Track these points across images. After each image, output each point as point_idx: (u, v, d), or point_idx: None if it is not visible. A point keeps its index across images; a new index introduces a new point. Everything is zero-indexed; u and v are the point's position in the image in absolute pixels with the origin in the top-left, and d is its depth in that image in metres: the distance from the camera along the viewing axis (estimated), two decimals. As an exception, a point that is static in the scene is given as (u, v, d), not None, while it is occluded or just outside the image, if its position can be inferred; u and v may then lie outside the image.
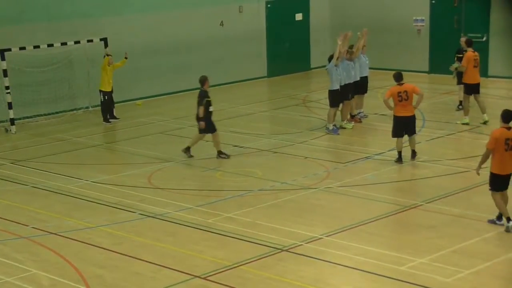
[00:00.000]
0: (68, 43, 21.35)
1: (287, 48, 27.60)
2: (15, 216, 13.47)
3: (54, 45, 21.03)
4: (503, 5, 23.49)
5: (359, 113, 19.66)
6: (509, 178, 11.92)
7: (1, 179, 15.89)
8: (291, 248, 11.44)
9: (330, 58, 18.33)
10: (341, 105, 18.69)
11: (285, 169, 15.79)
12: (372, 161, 15.98)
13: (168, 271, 10.83)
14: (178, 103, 23.36)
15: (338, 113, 18.79)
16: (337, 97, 18.25)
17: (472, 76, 18.49)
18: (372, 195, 13.78)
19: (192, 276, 10.58)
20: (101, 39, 21.72)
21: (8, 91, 20.08)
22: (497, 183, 11.83)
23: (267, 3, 26.92)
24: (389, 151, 16.48)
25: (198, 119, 16.42)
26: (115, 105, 21.22)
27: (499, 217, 11.96)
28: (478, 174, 12.26)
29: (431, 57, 26.02)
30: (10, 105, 20.13)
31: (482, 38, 23.84)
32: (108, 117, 20.82)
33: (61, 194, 14.73)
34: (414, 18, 26.32)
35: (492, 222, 12.03)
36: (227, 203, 13.70)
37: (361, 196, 13.78)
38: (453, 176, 14.81)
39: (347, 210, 13.15)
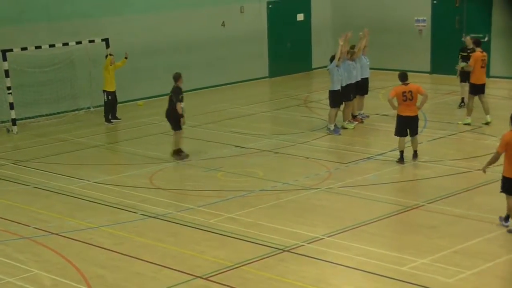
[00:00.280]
0: (70, 44, 21.37)
1: (289, 49, 27.61)
2: (17, 217, 13.47)
3: (56, 45, 21.05)
4: (504, 7, 23.48)
5: (360, 114, 19.66)
6: None
7: (3, 179, 15.90)
8: (293, 248, 11.44)
9: (332, 59, 18.32)
10: (342, 105, 18.70)
11: (287, 169, 15.79)
12: (373, 162, 15.98)
13: (169, 271, 10.83)
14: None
15: (340, 113, 18.79)
16: (338, 97, 18.24)
17: (479, 77, 18.45)
18: (374, 196, 13.77)
19: (194, 277, 10.58)
20: (102, 40, 21.74)
21: (10, 91, 20.11)
22: (509, 186, 11.81)
23: (268, 3, 26.93)
24: (390, 151, 16.47)
25: (175, 116, 16.39)
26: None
27: (507, 218, 11.92)
28: (484, 172, 12.21)
29: (433, 58, 26.01)
30: (11, 106, 20.16)
31: (484, 38, 23.82)
32: (110, 117, 20.84)
33: (63, 194, 14.73)
34: (416, 18, 26.32)
35: (501, 220, 12.00)
36: (229, 203, 13.70)
37: (362, 197, 13.77)
38: (454, 177, 14.80)
39: (349, 210, 13.14)
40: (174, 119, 16.52)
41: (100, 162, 16.99)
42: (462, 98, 20.55)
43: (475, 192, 13.81)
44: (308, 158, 16.47)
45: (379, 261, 10.83)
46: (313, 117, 20.64)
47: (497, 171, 14.79)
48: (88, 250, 11.79)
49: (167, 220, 12.98)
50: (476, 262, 10.68)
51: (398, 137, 15.67)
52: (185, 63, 24.74)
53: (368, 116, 19.79)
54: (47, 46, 20.89)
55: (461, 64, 19.22)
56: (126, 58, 21.02)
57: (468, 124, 18.51)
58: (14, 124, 20.21)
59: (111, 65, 20.67)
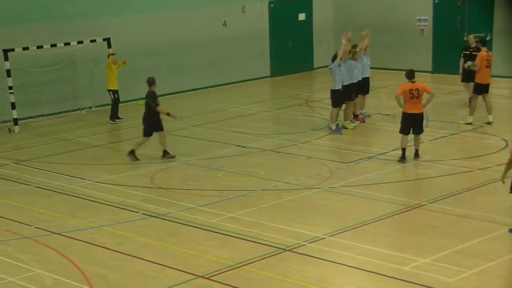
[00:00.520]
0: (71, 43, 21.39)
1: (290, 48, 27.61)
2: (19, 216, 13.48)
3: (57, 45, 21.06)
4: (506, 6, 23.43)
5: (362, 113, 19.65)
6: None
7: (5, 179, 15.91)
8: (294, 248, 11.44)
9: (334, 58, 18.32)
10: (344, 105, 18.69)
11: (288, 169, 15.78)
12: (375, 161, 15.97)
13: (171, 271, 10.84)
14: (181, 103, 23.35)
15: (341, 113, 18.79)
16: (340, 97, 18.24)
17: (484, 76, 18.42)
18: (375, 195, 13.77)
19: (195, 276, 10.58)
20: (104, 39, 21.75)
21: (12, 91, 20.11)
22: None
23: (270, 3, 26.92)
24: (392, 151, 16.47)
25: (153, 120, 16.60)
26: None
27: None
28: (503, 182, 11.92)
29: (434, 57, 26.00)
30: (13, 105, 20.16)
31: (486, 37, 23.80)
32: (110, 116, 20.85)
33: (64, 194, 14.74)
34: (417, 18, 26.31)
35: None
36: (230, 203, 13.70)
37: (364, 196, 13.77)
38: (456, 176, 14.79)
39: (350, 210, 13.14)
40: (149, 124, 16.60)
41: (102, 162, 17.00)
42: (470, 98, 20.57)
43: (477, 191, 13.80)
44: (309, 157, 16.47)
45: (380, 260, 10.82)
46: (314, 116, 20.64)
47: (498, 171, 14.80)
48: (89, 250, 11.79)
49: (168, 220, 12.98)
50: (477, 262, 10.68)
51: (402, 135, 15.67)
52: (186, 63, 24.78)
53: (369, 116, 19.79)
54: (49, 46, 20.90)
55: (468, 63, 19.18)
56: (124, 62, 20.98)
57: (470, 123, 18.49)
58: (15, 123, 20.22)
59: (114, 64, 20.67)
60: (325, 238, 11.81)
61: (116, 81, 20.80)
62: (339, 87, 18.14)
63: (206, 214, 13.12)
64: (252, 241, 11.77)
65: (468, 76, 19.57)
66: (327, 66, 19.61)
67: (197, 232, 12.35)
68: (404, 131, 15.69)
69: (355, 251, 11.23)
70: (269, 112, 21.93)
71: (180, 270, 10.80)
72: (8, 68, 19.92)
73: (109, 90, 20.78)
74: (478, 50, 19.41)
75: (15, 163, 17.08)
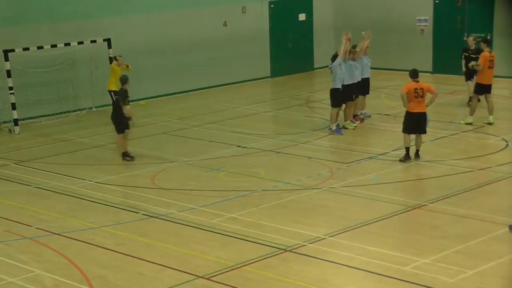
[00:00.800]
0: (72, 44, 21.38)
1: (291, 48, 27.60)
2: (19, 217, 13.48)
3: (58, 45, 21.06)
4: (506, 6, 23.45)
5: (362, 113, 19.66)
6: None
7: (5, 179, 15.91)
8: (295, 248, 11.43)
9: (334, 58, 18.32)
10: (344, 105, 18.69)
11: (289, 169, 15.78)
12: (375, 161, 15.96)
13: (171, 271, 10.83)
14: (182, 103, 23.38)
15: (341, 113, 18.78)
16: (339, 96, 18.23)
17: (486, 77, 18.41)
18: (376, 195, 13.76)
19: (195, 277, 10.58)
20: (104, 40, 21.76)
21: (12, 91, 20.12)
22: None
23: (270, 3, 26.92)
24: (393, 151, 16.47)
25: (121, 118, 16.67)
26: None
27: None
28: None
29: (435, 57, 25.99)
30: (13, 106, 20.16)
31: (487, 38, 23.80)
32: None
33: (65, 194, 14.74)
34: (418, 18, 26.31)
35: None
36: (231, 203, 13.70)
37: (364, 196, 13.76)
38: (457, 176, 14.78)
39: (351, 210, 13.13)
40: (119, 121, 16.65)
41: (102, 162, 16.99)
42: (470, 97, 20.59)
43: (478, 192, 13.80)
44: (310, 158, 16.46)
45: (381, 261, 10.81)
46: (315, 117, 20.64)
47: (498, 171, 14.84)
48: (90, 250, 11.79)
49: (169, 220, 12.97)
50: (478, 262, 10.67)
51: (404, 134, 15.65)
52: (186, 63, 24.79)
53: (370, 116, 19.79)
54: (49, 46, 20.90)
55: (472, 63, 19.16)
56: (128, 66, 20.95)
57: (470, 123, 18.49)
58: (16, 124, 20.21)
59: (118, 67, 20.64)
60: (325, 238, 11.80)
61: (117, 82, 20.75)
62: (339, 86, 18.13)
63: (206, 214, 13.11)
64: (252, 242, 11.76)
65: (470, 75, 19.61)
66: (327, 66, 19.61)
67: (198, 232, 12.35)
68: (407, 130, 15.68)
69: (355, 251, 11.22)
70: (269, 112, 21.93)
71: (181, 271, 10.80)
72: (8, 68, 19.92)
73: (110, 91, 20.76)
74: (478, 52, 19.46)
75: (15, 164, 17.08)
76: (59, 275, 10.82)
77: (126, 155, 16.77)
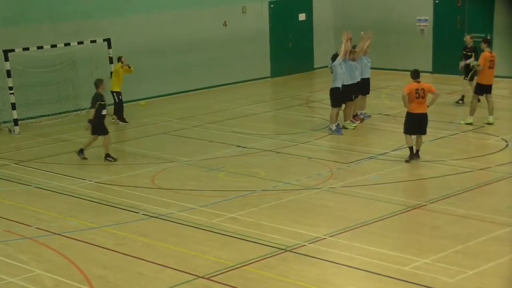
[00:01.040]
0: (72, 44, 21.38)
1: (291, 48, 27.61)
2: (19, 217, 13.48)
3: (58, 45, 21.06)
4: (506, 6, 23.46)
5: (362, 113, 19.67)
6: None
7: (5, 179, 15.91)
8: (294, 248, 11.43)
9: (334, 57, 18.32)
10: (343, 105, 18.69)
11: (289, 169, 15.78)
12: (375, 161, 15.96)
13: (171, 271, 10.83)
14: (182, 103, 23.39)
15: (341, 113, 18.78)
16: (339, 96, 18.23)
17: (486, 77, 18.41)
18: (376, 195, 13.76)
19: (196, 277, 10.58)
20: (104, 40, 21.75)
21: (12, 91, 20.11)
22: None
23: (270, 3, 26.92)
24: (392, 151, 16.47)
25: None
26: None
27: None
28: None
29: (435, 57, 25.99)
30: (13, 106, 20.15)
31: (487, 37, 23.81)
32: (115, 118, 20.87)
33: (65, 194, 14.74)
34: (418, 18, 26.31)
35: None
36: (231, 203, 13.70)
37: (364, 196, 13.76)
38: (457, 176, 14.78)
39: (351, 210, 13.13)
40: (98, 125, 16.86)
41: (102, 162, 16.98)
42: (462, 96, 20.68)
43: (478, 192, 13.80)
44: (310, 158, 16.46)
45: (381, 261, 10.82)
46: (315, 117, 20.64)
47: (498, 171, 14.84)
48: (90, 250, 11.79)
49: (169, 220, 12.97)
50: (478, 262, 10.67)
51: (406, 135, 15.64)
52: (186, 63, 24.79)
53: (370, 116, 19.79)
54: (49, 46, 20.89)
55: (474, 62, 19.17)
56: (130, 68, 20.93)
57: (470, 124, 18.49)
58: (16, 124, 20.22)
59: (122, 67, 20.62)
60: (325, 238, 11.80)
61: (120, 83, 20.75)
62: (339, 85, 18.13)
63: (206, 214, 13.12)
64: (252, 242, 11.76)
65: (466, 73, 19.78)
66: (327, 66, 19.60)
67: (198, 232, 12.35)
68: (408, 131, 15.64)
69: (355, 251, 11.22)
70: (269, 112, 21.93)
71: (181, 271, 10.80)
72: (8, 68, 19.91)
73: (112, 92, 20.76)
74: (474, 50, 19.61)
75: (15, 164, 17.08)
76: (59, 275, 10.82)
77: (109, 156, 16.91)
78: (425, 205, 13.17)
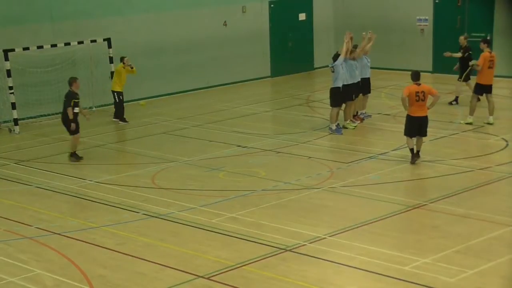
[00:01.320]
0: (72, 44, 21.38)
1: (291, 48, 27.61)
2: (19, 216, 13.48)
3: (58, 45, 21.06)
4: (506, 6, 23.46)
5: (362, 113, 19.67)
6: None
7: (5, 179, 15.91)
8: (295, 248, 11.43)
9: (335, 57, 18.31)
10: (343, 105, 18.69)
11: (289, 169, 15.78)
12: (375, 161, 15.96)
13: (171, 271, 10.83)
14: (182, 103, 23.39)
15: (341, 113, 18.78)
16: (339, 95, 18.23)
17: (486, 77, 18.41)
18: (376, 195, 13.76)
19: (196, 276, 10.58)
20: (104, 39, 21.75)
21: (12, 91, 20.11)
22: None
23: (270, 3, 26.92)
24: (392, 151, 16.47)
25: (69, 120, 16.87)
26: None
27: None
28: None
29: (435, 57, 25.98)
30: (13, 105, 20.16)
31: (486, 37, 23.82)
32: (114, 117, 20.86)
33: (65, 194, 14.74)
34: (418, 17, 26.31)
35: None
36: (231, 203, 13.70)
37: (364, 196, 13.76)
38: (457, 176, 14.78)
39: (351, 210, 13.13)
40: (68, 123, 16.89)
41: (102, 162, 16.99)
42: (456, 97, 20.78)
43: (478, 191, 13.80)
44: (310, 157, 16.46)
45: (381, 260, 10.82)
46: (315, 116, 20.64)
47: (498, 170, 14.84)
48: (90, 250, 11.79)
49: (169, 220, 12.97)
50: (478, 262, 10.67)
51: (407, 137, 15.60)
52: (186, 62, 24.78)
53: (370, 116, 19.80)
54: (49, 46, 20.90)
55: (473, 62, 19.18)
56: (132, 68, 20.90)
57: (470, 123, 18.49)
58: (16, 124, 20.22)
59: (124, 68, 20.60)
60: (325, 238, 11.80)
61: (121, 83, 20.73)
62: (340, 85, 18.13)
63: (206, 214, 13.12)
64: (252, 241, 11.76)
65: (461, 74, 20.01)
66: (327, 66, 19.60)
67: (198, 232, 12.35)
68: (409, 133, 15.59)
69: (356, 251, 11.22)
70: (269, 112, 21.93)
71: (181, 270, 10.80)
72: (8, 68, 19.91)
73: (113, 92, 20.75)
74: (466, 50, 19.72)
75: (15, 163, 17.08)
76: (59, 275, 10.82)
77: (74, 155, 16.92)
78: (425, 204, 13.17)
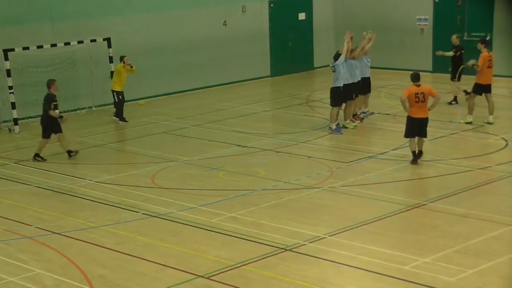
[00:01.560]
0: (71, 43, 21.38)
1: (291, 48, 27.61)
2: (19, 216, 13.47)
3: (57, 45, 21.06)
4: (506, 5, 23.47)
5: (362, 112, 19.68)
6: None
7: (5, 179, 15.91)
8: (295, 247, 11.43)
9: (336, 57, 18.31)
10: (344, 104, 18.69)
11: (288, 168, 15.78)
12: (375, 161, 15.96)
13: (171, 270, 10.83)
14: (181, 103, 23.39)
15: (341, 112, 18.78)
16: (339, 95, 18.23)
17: (485, 77, 18.43)
18: (376, 195, 13.76)
19: (196, 276, 10.58)
20: (104, 39, 21.75)
21: (12, 91, 20.12)
22: None
23: (270, 2, 26.92)
24: (392, 150, 16.47)
25: (48, 123, 17.04)
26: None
27: None
28: None
29: (435, 57, 25.94)
30: (13, 105, 20.17)
31: (486, 37, 23.83)
32: (115, 116, 20.85)
33: (65, 194, 14.74)
34: (418, 17, 26.31)
35: None
36: (230, 202, 13.70)
37: (364, 196, 13.76)
38: (456, 176, 14.78)
39: (351, 209, 13.13)
40: (45, 125, 17.06)
41: (102, 162, 16.99)
42: (455, 97, 20.80)
43: (477, 191, 13.79)
44: (310, 157, 16.46)
45: (381, 260, 10.81)
46: (315, 116, 20.64)
47: (498, 170, 14.84)
48: (90, 250, 11.79)
49: (169, 220, 12.97)
50: (478, 261, 10.67)
51: (409, 138, 15.58)
52: (186, 62, 24.79)
53: (373, 113, 19.82)
54: (49, 45, 20.90)
55: (472, 61, 19.19)
56: (132, 67, 20.89)
57: (470, 123, 18.50)
58: (16, 123, 20.22)
59: (124, 67, 20.60)
60: (325, 237, 11.80)
61: (121, 83, 20.72)
62: (340, 84, 18.13)
63: (206, 214, 13.11)
64: (252, 241, 11.76)
65: (453, 74, 20.11)
66: (327, 65, 19.59)
67: (198, 232, 12.35)
68: (410, 135, 15.57)
69: (356, 250, 11.22)
70: (269, 111, 21.93)
71: (181, 270, 10.80)
72: (8, 68, 19.92)
73: (113, 91, 20.74)
74: (459, 50, 19.81)
75: (15, 163, 17.08)
76: (59, 275, 10.82)
77: (38, 156, 17.05)
78: (425, 204, 13.16)
